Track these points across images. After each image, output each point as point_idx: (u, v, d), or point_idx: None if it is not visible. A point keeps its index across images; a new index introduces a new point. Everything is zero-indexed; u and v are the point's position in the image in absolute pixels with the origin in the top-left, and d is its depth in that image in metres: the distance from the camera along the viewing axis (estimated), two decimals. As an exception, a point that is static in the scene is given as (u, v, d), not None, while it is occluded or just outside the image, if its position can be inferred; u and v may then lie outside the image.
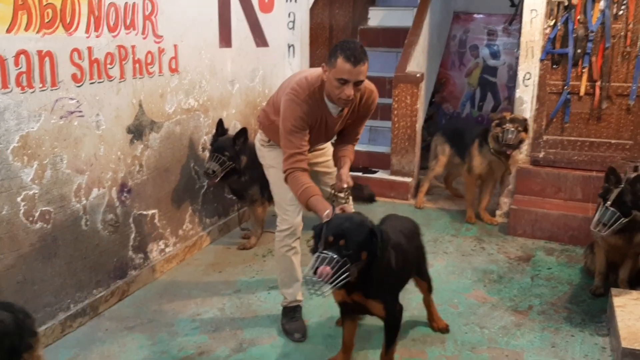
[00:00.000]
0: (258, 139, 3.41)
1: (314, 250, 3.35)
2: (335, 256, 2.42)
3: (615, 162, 4.65)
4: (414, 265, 3.09)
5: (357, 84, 2.80)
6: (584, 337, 3.29)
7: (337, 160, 3.27)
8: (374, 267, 2.58)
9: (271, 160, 3.30)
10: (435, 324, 3.34)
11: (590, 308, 3.61)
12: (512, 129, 4.57)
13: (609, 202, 3.43)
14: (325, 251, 2.45)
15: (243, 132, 4.22)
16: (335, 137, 3.33)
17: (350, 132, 3.28)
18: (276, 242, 3.34)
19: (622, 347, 2.93)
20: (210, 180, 4.22)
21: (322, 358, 3.07)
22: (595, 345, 3.21)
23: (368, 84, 3.08)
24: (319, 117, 3.00)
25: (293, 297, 3.38)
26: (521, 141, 4.68)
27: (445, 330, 3.32)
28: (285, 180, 2.97)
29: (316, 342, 3.22)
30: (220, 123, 4.26)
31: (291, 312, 3.37)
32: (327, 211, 2.70)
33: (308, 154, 3.05)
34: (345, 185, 3.09)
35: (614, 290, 3.49)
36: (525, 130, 4.66)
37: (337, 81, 2.77)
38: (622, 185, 3.45)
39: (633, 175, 3.56)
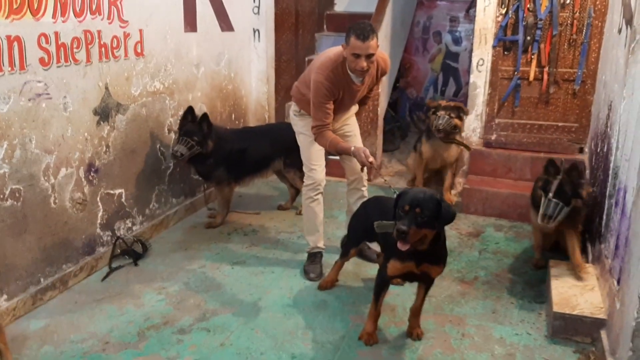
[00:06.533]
0: (292, 110, 3.97)
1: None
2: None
3: (562, 144, 4.96)
4: None
5: (368, 56, 3.39)
6: (522, 304, 3.57)
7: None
8: (440, 235, 2.91)
9: (301, 128, 3.86)
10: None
11: (531, 279, 3.89)
12: (444, 115, 4.86)
13: (550, 194, 3.62)
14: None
15: (205, 117, 4.38)
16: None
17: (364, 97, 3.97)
18: (302, 195, 3.95)
19: (553, 311, 3.22)
20: (177, 161, 4.43)
21: (280, 324, 3.30)
22: (532, 311, 3.49)
23: (382, 54, 3.72)
24: (343, 86, 3.60)
25: (315, 244, 3.91)
26: (455, 127, 4.92)
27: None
28: (316, 139, 3.64)
29: (274, 310, 3.44)
30: (191, 110, 4.38)
31: (312, 257, 3.94)
32: (352, 147, 3.49)
33: (335, 125, 3.80)
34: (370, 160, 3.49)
35: (552, 262, 3.78)
36: (459, 117, 4.92)
37: (352, 56, 3.40)
38: (560, 176, 3.65)
39: (569, 164, 3.74)
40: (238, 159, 4.62)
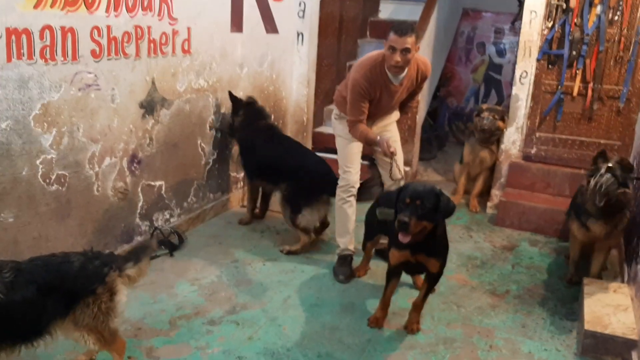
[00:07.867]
0: (333, 113, 4.05)
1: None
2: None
3: (603, 161, 4.87)
4: None
5: (403, 51, 3.46)
6: (553, 320, 3.53)
7: None
8: (438, 229, 3.02)
9: (340, 131, 3.93)
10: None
11: (564, 296, 3.84)
12: (488, 116, 5.09)
13: (602, 171, 3.54)
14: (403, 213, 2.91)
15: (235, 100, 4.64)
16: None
17: (405, 104, 4.13)
18: (336, 197, 3.97)
19: (584, 329, 3.17)
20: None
21: (307, 323, 3.34)
22: (563, 328, 3.44)
23: (422, 57, 3.86)
24: (380, 85, 3.66)
25: (345, 246, 3.95)
26: (498, 128, 5.14)
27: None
28: (350, 131, 3.77)
29: (303, 309, 3.49)
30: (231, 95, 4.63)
31: (342, 259, 3.96)
32: (378, 137, 3.65)
33: (375, 131, 3.86)
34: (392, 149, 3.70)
35: (586, 280, 3.72)
36: (502, 119, 5.12)
37: (389, 50, 3.49)
38: (611, 164, 3.58)
39: (620, 157, 3.75)
40: (256, 159, 4.52)
